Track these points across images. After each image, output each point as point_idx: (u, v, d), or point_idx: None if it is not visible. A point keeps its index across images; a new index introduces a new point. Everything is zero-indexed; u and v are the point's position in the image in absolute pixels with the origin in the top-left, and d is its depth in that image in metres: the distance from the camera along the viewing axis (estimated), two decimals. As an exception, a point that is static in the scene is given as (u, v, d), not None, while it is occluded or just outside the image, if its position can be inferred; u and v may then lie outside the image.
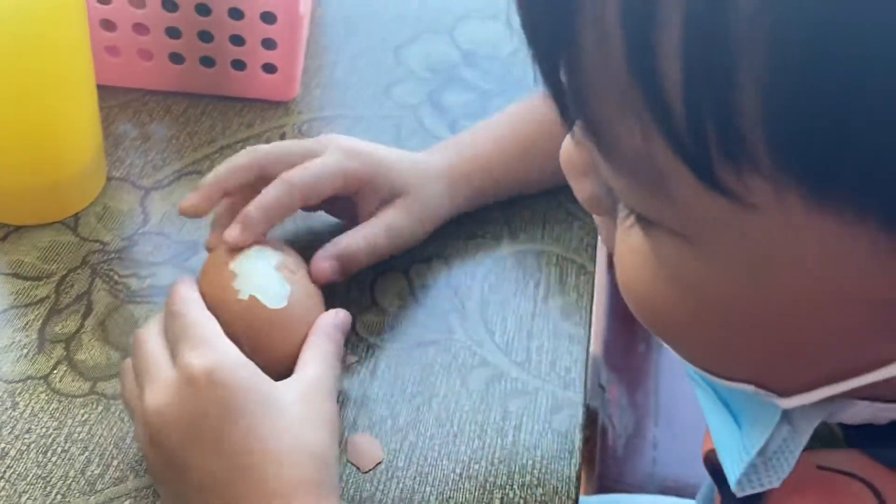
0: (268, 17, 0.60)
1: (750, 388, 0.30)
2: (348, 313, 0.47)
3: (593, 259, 0.57)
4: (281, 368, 0.43)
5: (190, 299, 0.43)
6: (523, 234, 0.58)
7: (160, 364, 0.40)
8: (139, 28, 0.61)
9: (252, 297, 0.44)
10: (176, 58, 0.63)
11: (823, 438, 0.32)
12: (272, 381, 0.41)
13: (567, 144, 0.32)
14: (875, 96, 0.19)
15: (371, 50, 0.71)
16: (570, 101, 0.25)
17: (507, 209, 0.58)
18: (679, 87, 0.21)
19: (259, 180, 0.49)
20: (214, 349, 0.40)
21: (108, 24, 0.61)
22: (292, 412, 0.40)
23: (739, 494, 0.33)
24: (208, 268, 0.46)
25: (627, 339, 0.96)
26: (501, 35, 0.73)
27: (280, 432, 0.39)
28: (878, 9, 0.18)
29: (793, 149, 0.20)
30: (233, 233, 0.46)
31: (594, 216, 0.34)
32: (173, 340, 0.41)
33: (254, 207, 0.47)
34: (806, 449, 0.32)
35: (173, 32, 0.61)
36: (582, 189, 0.33)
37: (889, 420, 0.30)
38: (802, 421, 0.31)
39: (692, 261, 0.26)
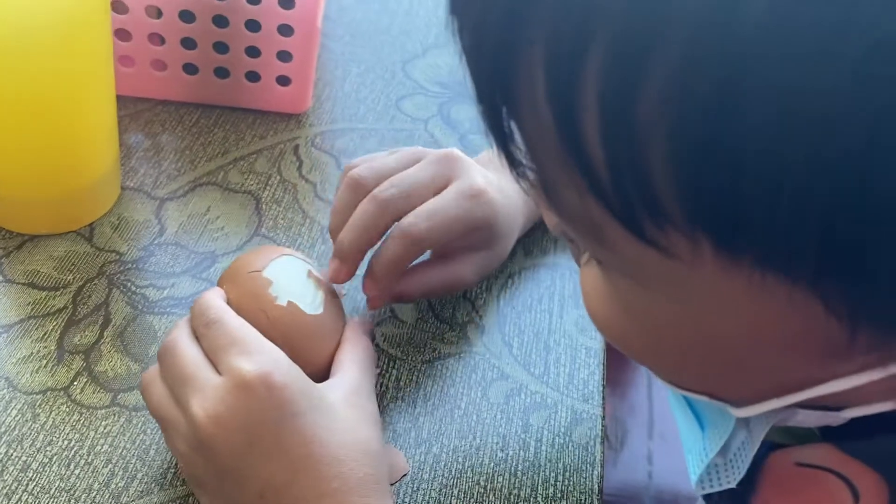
0: (284, 30, 0.60)
1: (706, 398, 0.33)
2: (370, 321, 0.48)
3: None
4: (315, 373, 0.43)
5: (223, 307, 0.43)
6: (536, 248, 0.59)
7: (205, 372, 0.40)
8: (154, 38, 0.61)
9: (290, 303, 0.44)
10: (190, 68, 0.62)
11: (800, 436, 0.35)
12: (316, 383, 0.41)
13: None
14: (755, 181, 0.22)
15: (379, 64, 0.71)
16: (514, 150, 0.27)
17: (520, 224, 0.59)
18: (602, 160, 0.23)
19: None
20: (265, 354, 0.40)
21: (123, 34, 0.60)
22: (343, 412, 0.41)
23: (699, 493, 0.35)
24: (235, 275, 0.45)
25: (620, 353, 0.96)
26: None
27: (337, 432, 0.39)
28: (753, 113, 0.21)
29: (697, 210, 0.23)
30: (367, 291, 0.47)
31: (565, 240, 0.36)
32: (214, 348, 0.41)
33: (378, 264, 0.47)
34: (784, 447, 0.34)
35: (189, 43, 0.61)
36: (549, 219, 0.36)
37: (842, 422, 0.32)
38: (757, 427, 0.34)
39: (640, 296, 0.29)
